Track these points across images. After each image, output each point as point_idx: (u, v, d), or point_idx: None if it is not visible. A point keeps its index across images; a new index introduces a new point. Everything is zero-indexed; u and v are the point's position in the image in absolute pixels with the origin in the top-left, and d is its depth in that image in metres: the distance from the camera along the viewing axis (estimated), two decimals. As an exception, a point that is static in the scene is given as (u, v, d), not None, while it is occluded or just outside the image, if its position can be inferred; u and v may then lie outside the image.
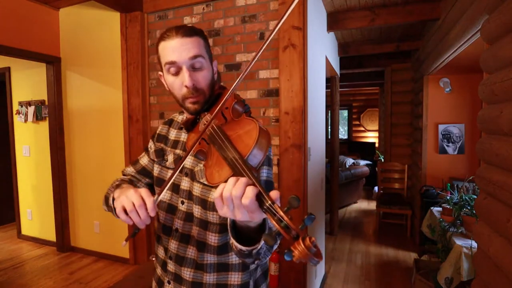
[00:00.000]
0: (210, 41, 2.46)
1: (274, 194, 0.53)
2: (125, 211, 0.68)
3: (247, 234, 0.65)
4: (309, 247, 0.47)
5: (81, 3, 3.06)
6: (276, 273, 2.23)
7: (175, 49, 0.78)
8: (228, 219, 0.68)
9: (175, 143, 0.95)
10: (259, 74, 2.33)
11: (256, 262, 0.72)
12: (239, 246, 0.65)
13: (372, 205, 5.69)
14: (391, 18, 2.93)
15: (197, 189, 0.86)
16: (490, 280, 1.30)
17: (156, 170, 0.96)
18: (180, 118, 1.01)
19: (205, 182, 0.85)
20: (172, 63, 0.78)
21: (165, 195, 0.92)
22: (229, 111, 0.74)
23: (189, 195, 0.88)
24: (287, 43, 2.13)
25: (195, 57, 0.79)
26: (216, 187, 0.59)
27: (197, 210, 0.86)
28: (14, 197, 3.78)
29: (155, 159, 0.97)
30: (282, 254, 0.50)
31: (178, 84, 0.80)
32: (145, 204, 0.67)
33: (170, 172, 0.93)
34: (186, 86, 0.78)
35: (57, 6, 3.18)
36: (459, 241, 2.11)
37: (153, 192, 1.01)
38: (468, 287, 1.90)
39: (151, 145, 1.02)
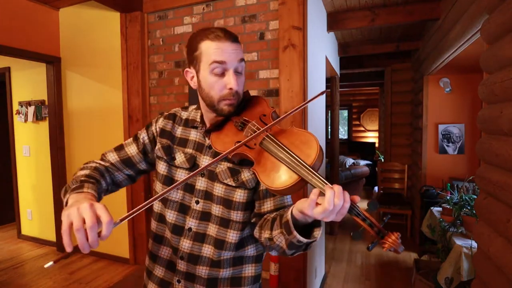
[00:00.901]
0: (210, 41, 2.46)
1: (357, 198, 0.63)
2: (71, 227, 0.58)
3: (300, 228, 0.70)
4: (397, 237, 0.61)
5: (81, 3, 3.06)
6: (276, 273, 2.23)
7: (226, 51, 0.79)
8: (290, 216, 0.69)
9: (183, 141, 0.93)
10: (259, 74, 2.33)
11: (297, 253, 0.76)
12: (300, 238, 0.68)
13: (372, 205, 5.69)
14: (391, 18, 2.93)
15: (219, 190, 0.87)
16: (490, 280, 1.30)
17: (163, 168, 0.93)
18: (184, 114, 0.98)
19: (230, 183, 0.86)
20: (221, 63, 0.79)
21: (176, 194, 0.91)
22: (268, 118, 0.81)
23: (206, 194, 0.88)
24: (287, 43, 2.13)
25: (241, 60, 0.83)
26: (279, 190, 0.68)
27: (218, 210, 0.87)
28: (14, 197, 3.78)
29: (164, 157, 0.93)
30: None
31: (220, 85, 0.81)
32: (99, 226, 0.58)
33: (179, 171, 0.91)
34: (230, 88, 0.80)
35: (57, 6, 3.18)
36: (459, 241, 2.11)
37: (134, 179, 1.00)
38: (468, 287, 1.90)
39: (143, 136, 0.97)
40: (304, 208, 0.64)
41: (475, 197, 2.22)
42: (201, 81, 0.84)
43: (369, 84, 6.58)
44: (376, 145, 7.92)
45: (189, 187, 0.90)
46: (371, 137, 8.57)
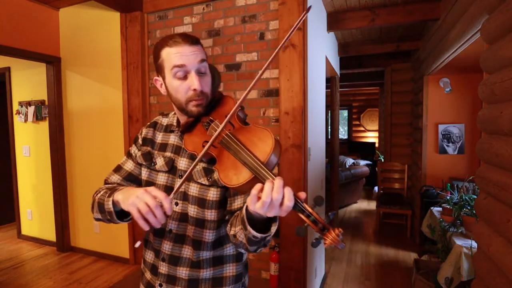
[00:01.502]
0: (210, 41, 2.46)
1: (302, 194, 0.63)
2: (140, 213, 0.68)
3: (258, 225, 0.71)
4: (338, 234, 0.61)
5: (81, 3, 3.06)
6: (276, 273, 2.23)
7: (184, 54, 0.82)
8: (244, 211, 0.71)
9: (163, 146, 0.96)
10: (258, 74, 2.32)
11: (258, 250, 0.78)
12: (255, 234, 0.70)
13: (372, 205, 5.69)
14: (391, 18, 2.93)
15: (194, 189, 0.89)
16: (490, 280, 1.30)
17: (144, 173, 0.97)
18: (165, 121, 1.02)
19: (203, 182, 0.88)
20: (181, 66, 0.82)
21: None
22: (234, 118, 0.81)
23: (184, 196, 0.90)
24: (287, 43, 2.13)
25: (202, 61, 0.84)
26: (237, 187, 0.68)
27: (193, 210, 0.89)
28: (14, 197, 3.78)
29: (144, 163, 0.97)
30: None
31: (184, 87, 0.83)
32: (160, 203, 0.68)
33: (160, 174, 0.94)
34: (194, 89, 0.82)
35: (57, 6, 3.18)
36: (459, 241, 2.11)
37: None
38: (468, 287, 1.90)
39: (134, 150, 1.01)
40: (247, 202, 0.65)
41: (475, 197, 2.22)
42: (167, 87, 0.87)
43: (369, 84, 6.59)
44: (376, 145, 7.92)
45: (169, 190, 0.91)
46: (371, 137, 8.57)
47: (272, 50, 2.25)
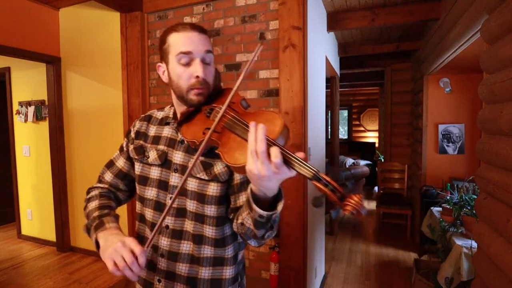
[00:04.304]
0: (210, 41, 2.46)
1: (301, 154, 0.60)
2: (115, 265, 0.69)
3: (263, 206, 0.70)
4: (360, 198, 0.57)
5: (81, 3, 3.06)
6: (276, 273, 2.23)
7: (192, 41, 0.82)
8: (249, 191, 0.70)
9: (156, 139, 0.95)
10: (259, 74, 2.33)
11: (266, 235, 0.75)
12: (260, 212, 0.68)
13: (372, 205, 5.69)
14: (391, 18, 2.93)
15: (192, 185, 0.87)
16: (490, 280, 1.30)
17: (137, 168, 0.95)
18: (160, 114, 1.01)
19: (202, 177, 0.86)
20: (187, 53, 0.81)
21: (151, 192, 0.91)
22: (237, 105, 0.79)
23: (182, 190, 0.88)
24: (287, 43, 2.13)
25: (208, 51, 0.84)
26: (243, 167, 0.64)
27: (192, 205, 0.87)
28: (14, 197, 3.78)
29: (136, 157, 0.95)
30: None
31: (187, 74, 0.82)
32: (137, 259, 0.69)
33: (153, 168, 0.92)
34: (197, 77, 0.82)
35: (57, 6, 3.18)
36: (459, 241, 2.11)
37: (132, 191, 1.03)
38: (468, 287, 1.90)
39: (125, 143, 1.00)
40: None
41: (475, 197, 2.22)
42: (170, 73, 0.86)
43: (369, 84, 6.58)
44: (376, 145, 7.92)
45: (163, 184, 0.90)
46: (371, 137, 8.57)
47: (272, 50, 2.25)
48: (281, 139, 0.65)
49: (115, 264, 0.69)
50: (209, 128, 0.74)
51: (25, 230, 3.77)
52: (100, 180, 1.02)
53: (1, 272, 2.94)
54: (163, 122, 0.97)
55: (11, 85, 3.64)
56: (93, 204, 0.91)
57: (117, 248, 0.70)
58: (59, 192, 3.34)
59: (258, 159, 0.59)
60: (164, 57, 0.87)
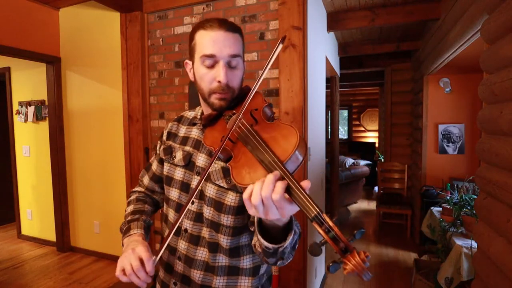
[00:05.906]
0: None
1: (306, 183, 0.53)
2: (124, 271, 0.70)
3: (274, 234, 0.65)
4: (364, 261, 0.47)
5: (81, 3, 3.06)
6: (276, 273, 2.23)
7: (216, 42, 0.76)
8: (255, 218, 0.67)
9: (184, 140, 0.93)
10: (259, 74, 2.33)
11: (278, 263, 0.71)
12: (266, 244, 0.64)
13: (372, 205, 5.69)
14: (391, 18, 2.93)
15: (211, 191, 0.83)
16: (490, 280, 1.30)
17: (165, 168, 0.94)
18: (191, 114, 0.98)
19: (221, 184, 0.82)
20: (210, 56, 0.76)
21: (174, 193, 0.90)
22: (259, 113, 0.72)
23: (201, 194, 0.85)
24: (287, 43, 2.13)
25: (234, 56, 0.78)
26: (243, 188, 0.59)
27: (208, 212, 0.83)
28: (14, 197, 3.78)
29: (164, 157, 0.94)
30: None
31: (210, 77, 0.78)
32: (143, 266, 0.69)
33: (177, 169, 0.90)
34: (219, 81, 0.77)
35: (57, 6, 3.18)
36: (459, 241, 2.11)
37: (161, 193, 1.02)
38: (468, 287, 1.90)
39: (158, 145, 1.00)
40: None
41: (475, 197, 2.22)
42: (195, 73, 0.82)
43: (369, 84, 6.58)
44: (376, 145, 7.92)
45: (185, 186, 0.88)
46: (371, 137, 8.57)
47: (272, 51, 2.25)
48: (295, 158, 0.59)
49: (123, 269, 0.70)
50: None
51: (25, 230, 3.77)
52: (139, 184, 1.03)
53: (1, 272, 2.94)
54: (192, 122, 0.95)
55: (11, 85, 3.64)
56: (129, 209, 0.93)
57: (126, 255, 0.71)
58: (59, 192, 3.34)
59: (251, 207, 0.56)
60: (191, 55, 0.83)
